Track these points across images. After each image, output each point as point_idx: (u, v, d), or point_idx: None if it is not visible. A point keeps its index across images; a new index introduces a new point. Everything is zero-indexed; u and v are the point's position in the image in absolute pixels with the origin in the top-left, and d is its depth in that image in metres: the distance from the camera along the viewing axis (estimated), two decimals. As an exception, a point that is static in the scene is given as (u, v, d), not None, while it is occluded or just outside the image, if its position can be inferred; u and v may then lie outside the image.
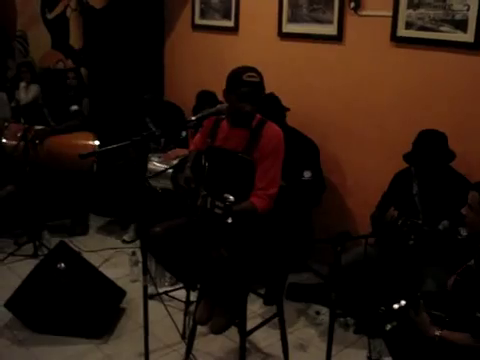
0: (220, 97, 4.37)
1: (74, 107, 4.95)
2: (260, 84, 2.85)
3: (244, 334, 2.90)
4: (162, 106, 5.00)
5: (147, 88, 4.97)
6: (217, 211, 2.52)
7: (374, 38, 3.85)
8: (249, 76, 2.83)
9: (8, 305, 3.47)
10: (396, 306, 2.51)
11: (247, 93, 2.84)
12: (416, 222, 2.99)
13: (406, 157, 3.26)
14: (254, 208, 2.79)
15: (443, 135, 3.17)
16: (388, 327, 2.57)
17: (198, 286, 3.12)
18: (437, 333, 2.41)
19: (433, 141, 3.13)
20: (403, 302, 2.50)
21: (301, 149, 3.95)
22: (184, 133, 4.70)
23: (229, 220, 2.49)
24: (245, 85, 2.83)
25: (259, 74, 2.88)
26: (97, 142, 4.71)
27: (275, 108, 3.88)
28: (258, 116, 2.95)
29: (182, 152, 4.20)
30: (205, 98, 4.51)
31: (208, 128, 3.08)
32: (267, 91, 3.01)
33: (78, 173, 4.76)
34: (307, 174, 3.97)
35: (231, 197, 2.50)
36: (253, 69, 2.88)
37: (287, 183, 3.65)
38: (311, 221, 4.26)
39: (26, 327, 3.46)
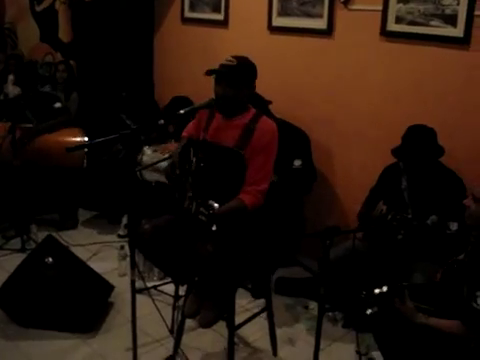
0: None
1: (57, 104, 4.90)
2: (234, 68, 2.79)
3: (232, 328, 2.90)
4: (139, 103, 4.97)
5: (136, 81, 4.93)
6: (201, 218, 2.49)
7: (364, 32, 3.84)
8: (227, 60, 2.83)
9: (-5, 299, 3.45)
10: (377, 291, 2.52)
11: (219, 75, 2.83)
12: (405, 216, 2.99)
13: (394, 152, 3.26)
14: (244, 206, 2.76)
15: (432, 130, 3.17)
16: (369, 312, 2.58)
17: (186, 281, 3.10)
18: (424, 320, 2.42)
19: (422, 136, 3.14)
20: (385, 288, 2.51)
21: (290, 138, 3.94)
22: (162, 121, 4.67)
23: (213, 228, 2.46)
24: (219, 68, 2.83)
25: (241, 61, 2.83)
26: (86, 138, 4.67)
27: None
28: (253, 110, 2.93)
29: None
30: (178, 104, 4.50)
31: (203, 121, 3.05)
32: (260, 84, 2.98)
33: (68, 169, 4.72)
34: (297, 162, 3.97)
35: (216, 204, 2.46)
36: (237, 56, 2.85)
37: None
38: (303, 214, 4.26)
39: (13, 321, 3.44)
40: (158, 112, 5.02)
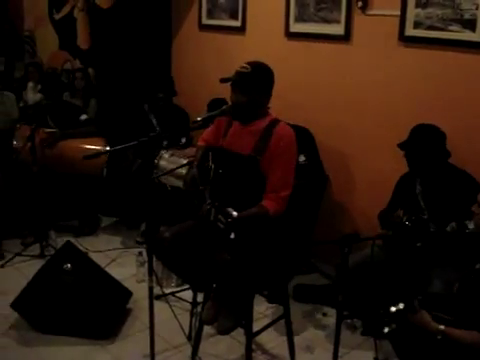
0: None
1: (83, 116, 4.96)
2: (248, 75, 2.78)
3: (250, 335, 2.88)
4: (170, 108, 4.99)
5: (154, 89, 4.95)
6: (220, 225, 2.49)
7: (382, 38, 3.83)
8: (242, 66, 2.83)
9: (14, 305, 3.47)
10: (393, 309, 2.50)
11: (234, 82, 2.83)
12: (421, 217, 2.97)
13: (401, 145, 3.23)
14: (266, 212, 2.75)
15: (438, 131, 3.16)
16: (386, 330, 2.56)
17: (204, 288, 3.10)
18: (441, 327, 2.39)
19: (426, 135, 3.12)
20: (401, 305, 2.48)
21: None
22: (184, 140, 4.70)
23: (232, 236, 2.46)
24: (235, 75, 2.83)
25: (255, 67, 2.82)
26: (108, 148, 4.70)
27: None
28: (270, 116, 2.92)
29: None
30: (216, 106, 4.49)
31: (221, 128, 3.05)
32: (277, 90, 2.97)
33: (88, 177, 4.76)
34: (301, 158, 3.97)
35: (234, 212, 2.45)
36: (252, 62, 2.85)
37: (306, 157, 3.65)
38: (316, 219, 4.24)
39: (32, 327, 3.46)
40: (184, 116, 5.03)
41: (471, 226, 2.62)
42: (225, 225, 2.45)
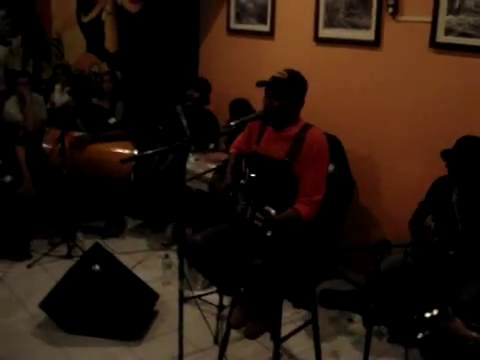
0: (254, 104, 4.39)
1: (112, 120, 5.01)
2: (285, 81, 2.81)
3: (278, 340, 2.88)
4: (200, 111, 5.01)
5: (181, 92, 4.98)
6: (257, 223, 2.50)
7: (412, 44, 3.80)
8: (278, 72, 2.85)
9: (43, 306, 3.51)
10: (428, 315, 2.48)
11: (268, 86, 2.85)
12: (453, 239, 2.95)
13: (444, 154, 3.20)
14: (299, 215, 2.76)
15: None
16: (420, 336, 2.54)
17: (233, 291, 3.10)
18: (474, 335, 2.37)
19: (474, 148, 3.08)
20: (435, 311, 2.47)
21: None
22: (212, 145, 4.72)
23: (269, 233, 2.47)
24: (271, 79, 2.85)
25: (292, 74, 2.85)
26: (136, 152, 4.75)
27: (245, 111, 3.87)
28: (302, 122, 2.93)
29: (223, 157, 4.20)
30: (238, 107, 4.51)
31: (255, 133, 3.06)
32: (306, 96, 2.98)
33: (115, 179, 4.80)
34: (330, 167, 3.94)
35: (272, 210, 2.47)
36: (289, 69, 2.87)
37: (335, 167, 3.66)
38: (342, 225, 4.24)
39: (60, 328, 3.50)
40: (214, 120, 5.05)
41: None
42: (263, 223, 2.46)
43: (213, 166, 4.00)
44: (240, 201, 2.69)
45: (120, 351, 3.35)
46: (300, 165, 2.80)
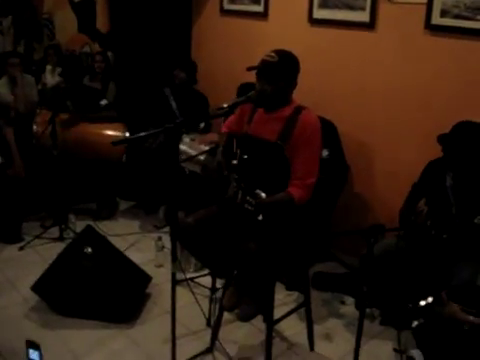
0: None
1: (104, 101, 4.96)
2: (275, 64, 2.75)
3: (271, 323, 2.89)
4: (190, 92, 4.98)
5: (175, 69, 4.94)
6: (248, 207, 2.48)
7: (408, 26, 3.78)
8: (268, 55, 2.79)
9: (35, 288, 3.50)
10: (423, 303, 2.49)
11: (259, 70, 2.80)
12: (446, 224, 2.95)
13: (441, 139, 3.18)
14: (291, 198, 2.73)
15: None
16: (415, 324, 2.55)
17: (226, 274, 3.10)
18: (470, 318, 2.38)
19: (471, 133, 3.06)
20: (430, 299, 2.48)
21: None
22: (202, 124, 4.69)
23: (260, 217, 2.45)
24: (260, 63, 2.81)
25: (282, 56, 2.79)
26: (127, 134, 4.72)
27: None
28: (295, 103, 2.90)
29: (217, 137, 4.16)
30: (247, 91, 4.47)
31: (246, 114, 3.03)
32: (299, 77, 2.94)
33: (107, 161, 4.78)
34: (324, 153, 3.96)
35: (263, 194, 2.46)
36: (278, 50, 2.81)
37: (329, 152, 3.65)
38: (334, 208, 4.24)
39: (53, 310, 3.49)
40: (204, 101, 5.02)
41: None
42: (254, 206, 2.45)
43: (206, 148, 3.98)
44: (232, 183, 2.67)
45: (113, 333, 3.35)
46: (292, 148, 2.77)
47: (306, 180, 2.78)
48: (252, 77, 2.90)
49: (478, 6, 3.42)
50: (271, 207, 2.62)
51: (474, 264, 2.92)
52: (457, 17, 3.52)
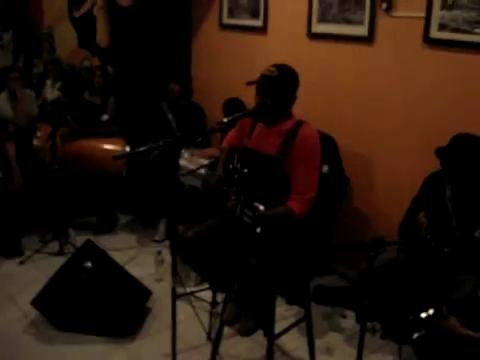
0: (247, 101, 4.37)
1: (105, 116, 4.99)
2: (275, 78, 2.77)
3: (272, 337, 2.87)
4: (187, 105, 5.00)
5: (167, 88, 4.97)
6: (246, 220, 2.48)
7: (406, 40, 3.79)
8: (267, 70, 2.81)
9: (35, 303, 3.49)
10: (424, 315, 2.48)
11: (259, 85, 2.81)
12: (446, 237, 2.95)
13: (438, 152, 3.19)
14: (291, 213, 2.73)
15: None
16: (415, 336, 2.54)
17: (226, 288, 3.09)
18: (470, 333, 2.37)
19: (469, 146, 3.07)
20: (431, 311, 2.47)
21: None
22: (199, 139, 4.71)
23: (258, 230, 2.45)
24: (260, 78, 2.82)
25: (282, 71, 2.80)
26: (128, 148, 4.73)
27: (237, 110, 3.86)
28: (295, 118, 2.91)
29: (216, 152, 4.16)
30: (231, 106, 4.49)
31: (246, 128, 3.04)
32: (298, 91, 2.96)
33: (107, 176, 4.78)
34: (325, 168, 3.96)
35: (261, 207, 2.46)
36: (278, 65, 2.82)
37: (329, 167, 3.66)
38: (335, 221, 4.24)
39: (52, 325, 3.48)
40: (201, 114, 5.04)
41: None
42: (252, 219, 2.45)
43: (206, 162, 3.98)
44: (231, 197, 2.67)
45: (113, 348, 3.34)
46: (292, 162, 2.78)
47: (306, 194, 2.78)
48: (250, 91, 2.91)
49: (476, 20, 3.43)
50: (270, 220, 2.62)
51: (475, 277, 2.92)
52: (455, 31, 3.53)
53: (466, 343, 2.37)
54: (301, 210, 2.76)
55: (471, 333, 2.38)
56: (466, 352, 2.38)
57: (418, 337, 2.51)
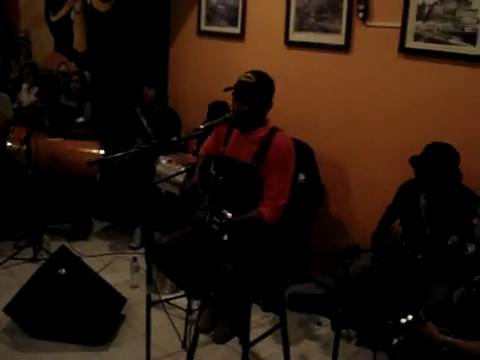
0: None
1: (80, 119, 4.96)
2: (253, 85, 2.78)
3: (247, 345, 2.86)
4: (161, 109, 4.99)
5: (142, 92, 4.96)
6: (214, 227, 2.48)
7: (382, 49, 3.84)
8: (245, 76, 2.82)
9: (8, 310, 3.44)
10: (403, 320, 2.50)
11: (237, 91, 2.82)
12: (421, 244, 2.98)
13: (413, 161, 3.22)
14: (262, 218, 2.74)
15: (454, 152, 3.14)
16: (395, 341, 2.56)
17: (201, 296, 3.08)
18: (448, 339, 2.39)
19: (443, 155, 3.11)
20: (410, 317, 2.48)
21: None
22: (174, 138, 4.70)
23: (225, 237, 2.45)
24: (238, 84, 2.82)
25: (259, 77, 2.82)
26: (102, 151, 4.70)
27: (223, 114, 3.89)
28: (270, 125, 2.92)
29: (194, 159, 4.16)
30: (216, 109, 4.49)
31: (222, 135, 3.04)
32: (275, 99, 2.96)
33: (81, 180, 4.74)
34: (301, 176, 3.98)
35: (229, 214, 2.46)
36: (255, 71, 2.84)
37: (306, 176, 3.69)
38: (311, 229, 4.25)
39: (25, 332, 3.43)
40: (175, 117, 5.03)
41: (471, 249, 2.64)
42: (219, 226, 2.45)
43: (183, 168, 3.98)
44: (204, 203, 2.67)
45: (87, 356, 3.30)
46: (266, 169, 2.79)
47: (277, 201, 2.79)
48: (227, 98, 2.91)
49: (450, 30, 3.49)
50: (240, 226, 2.62)
51: (448, 284, 2.95)
52: (430, 41, 3.59)
53: (443, 349, 2.39)
54: (272, 216, 2.77)
55: (449, 339, 2.40)
56: (443, 358, 2.40)
57: (397, 343, 2.52)
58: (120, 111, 5.24)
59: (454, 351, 2.37)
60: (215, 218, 2.49)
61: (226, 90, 2.83)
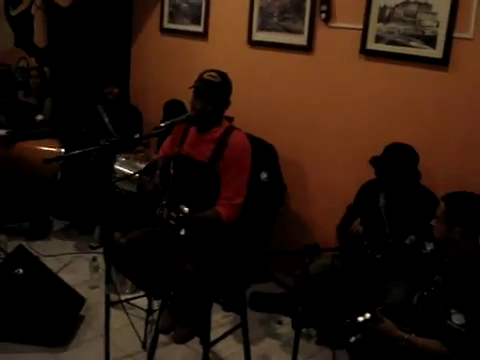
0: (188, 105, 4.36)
1: (39, 117, 4.88)
2: (217, 84, 2.80)
3: (208, 344, 2.86)
4: (123, 107, 4.95)
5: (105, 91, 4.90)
6: (171, 222, 2.47)
7: (344, 50, 3.87)
8: (208, 75, 2.82)
9: (-38, 310, 3.35)
10: (361, 319, 2.52)
11: (198, 89, 2.82)
12: (382, 243, 3.01)
13: (373, 161, 3.26)
14: (219, 217, 2.75)
15: (414, 152, 3.19)
16: (352, 339, 2.58)
17: (161, 296, 3.06)
18: (405, 336, 2.42)
19: (403, 156, 3.15)
20: (368, 315, 2.51)
21: (255, 151, 3.94)
22: (137, 135, 4.68)
23: (182, 232, 2.45)
24: (200, 82, 2.82)
25: (223, 77, 2.84)
26: (63, 150, 4.62)
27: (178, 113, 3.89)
28: (226, 124, 2.92)
29: (153, 155, 4.12)
30: (172, 108, 4.46)
31: (178, 135, 3.03)
32: (238, 98, 2.96)
33: (41, 179, 4.65)
34: (263, 175, 4.00)
35: (186, 208, 2.45)
36: (217, 71, 2.85)
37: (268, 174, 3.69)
38: (272, 228, 4.26)
39: (-19, 334, 3.35)
40: (138, 115, 4.99)
41: (429, 247, 2.68)
42: (176, 221, 2.44)
43: (142, 166, 3.94)
44: (163, 201, 2.66)
45: (44, 358, 3.24)
46: (222, 168, 2.80)
47: (234, 200, 2.81)
48: (189, 95, 2.89)
49: (411, 33, 3.54)
50: (196, 223, 2.62)
51: (406, 283, 2.99)
52: (391, 43, 3.64)
53: (401, 345, 2.42)
54: (229, 215, 2.78)
55: (406, 335, 2.43)
56: (401, 354, 2.43)
57: (355, 341, 2.54)
58: (81, 108, 5.17)
59: (411, 347, 2.41)
60: (172, 213, 2.48)
61: (191, 88, 2.83)
